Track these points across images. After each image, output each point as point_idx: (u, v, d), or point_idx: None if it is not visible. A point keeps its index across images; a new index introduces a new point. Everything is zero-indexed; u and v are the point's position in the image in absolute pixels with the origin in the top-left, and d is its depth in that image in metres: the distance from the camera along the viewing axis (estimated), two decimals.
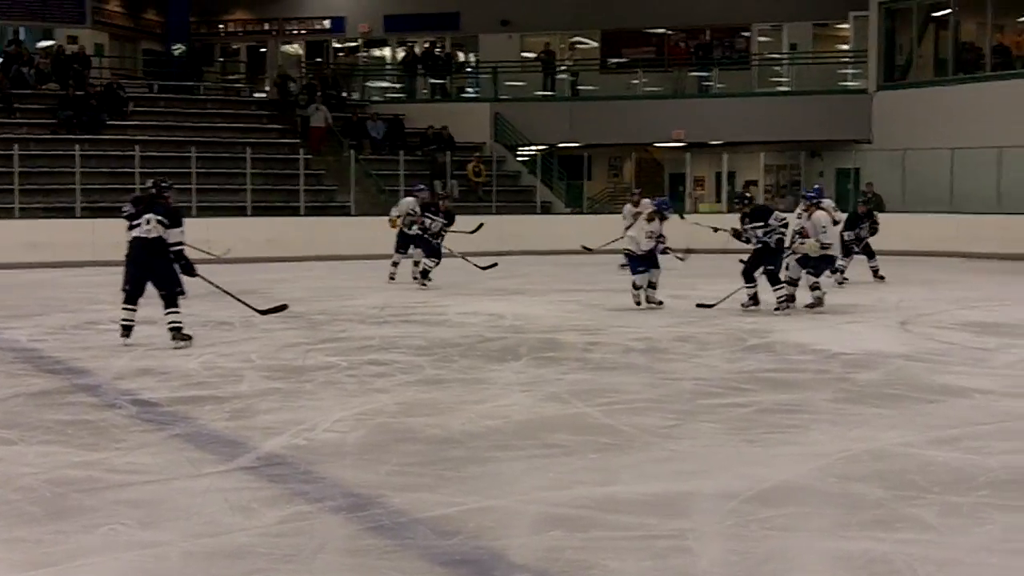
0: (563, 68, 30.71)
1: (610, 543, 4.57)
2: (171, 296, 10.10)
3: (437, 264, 15.96)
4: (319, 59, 33.56)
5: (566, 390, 7.93)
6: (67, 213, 22.25)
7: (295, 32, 33.88)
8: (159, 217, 10.07)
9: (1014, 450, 6.14)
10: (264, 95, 31.11)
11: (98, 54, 29.26)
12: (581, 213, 27.26)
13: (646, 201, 15.87)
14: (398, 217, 16.38)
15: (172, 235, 10.08)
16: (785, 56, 29.69)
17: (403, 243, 16.43)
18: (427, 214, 16.08)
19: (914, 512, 4.95)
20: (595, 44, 31.40)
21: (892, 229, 18.31)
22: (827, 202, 14.71)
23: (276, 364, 9.15)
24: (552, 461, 5.90)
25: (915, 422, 6.90)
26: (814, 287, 12.83)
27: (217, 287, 10.88)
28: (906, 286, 15.62)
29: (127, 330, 10.14)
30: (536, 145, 28.89)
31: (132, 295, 10.17)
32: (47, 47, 28.51)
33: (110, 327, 10.82)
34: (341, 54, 33.96)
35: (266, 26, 33.98)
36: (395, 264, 16.52)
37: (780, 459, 5.96)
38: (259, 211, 23.35)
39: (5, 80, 24.97)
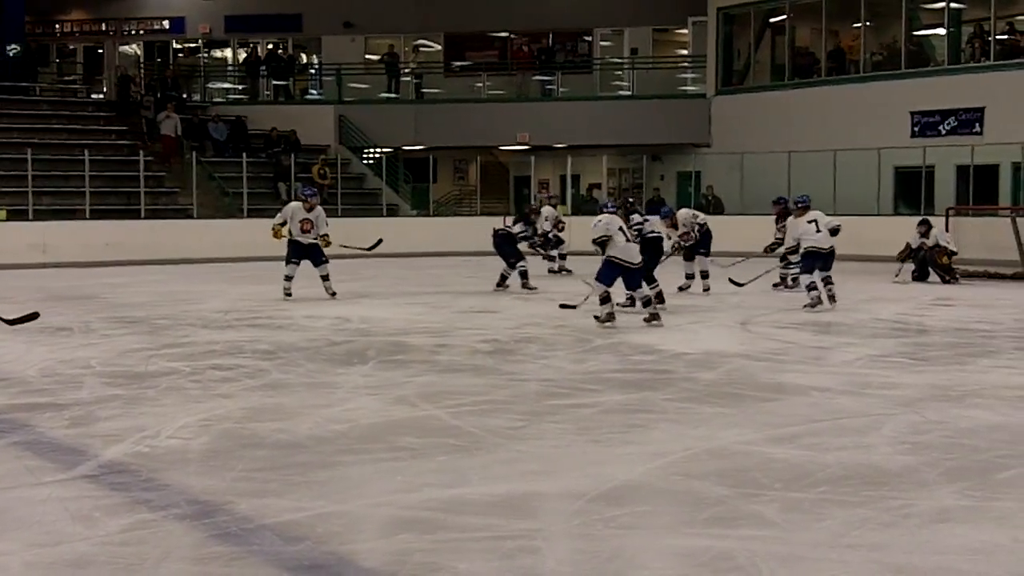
0: (407, 71, 30.67)
1: (458, 545, 4.58)
2: None
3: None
4: (159, 59, 32.87)
5: (414, 393, 7.92)
6: None
7: (133, 32, 33.13)
8: None
9: (849, 446, 6.32)
10: (102, 96, 30.34)
11: None
12: (427, 216, 27.30)
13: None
14: (282, 225, 14.73)
15: None
16: (626, 61, 30.15)
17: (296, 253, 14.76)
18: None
19: (756, 509, 5.07)
20: (439, 47, 31.43)
21: (731, 231, 18.74)
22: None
23: (117, 370, 8.93)
24: (400, 464, 5.88)
25: (755, 420, 7.06)
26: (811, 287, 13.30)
27: None
28: (745, 289, 15.93)
29: None
30: (381, 148, 28.80)
31: None
32: None
33: None
34: (181, 55, 33.32)
35: (103, 26, 33.15)
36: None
37: (624, 458, 6.04)
38: (98, 214, 22.75)
39: None
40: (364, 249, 15.69)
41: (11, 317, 10.33)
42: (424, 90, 30.73)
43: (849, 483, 5.47)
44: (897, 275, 17.06)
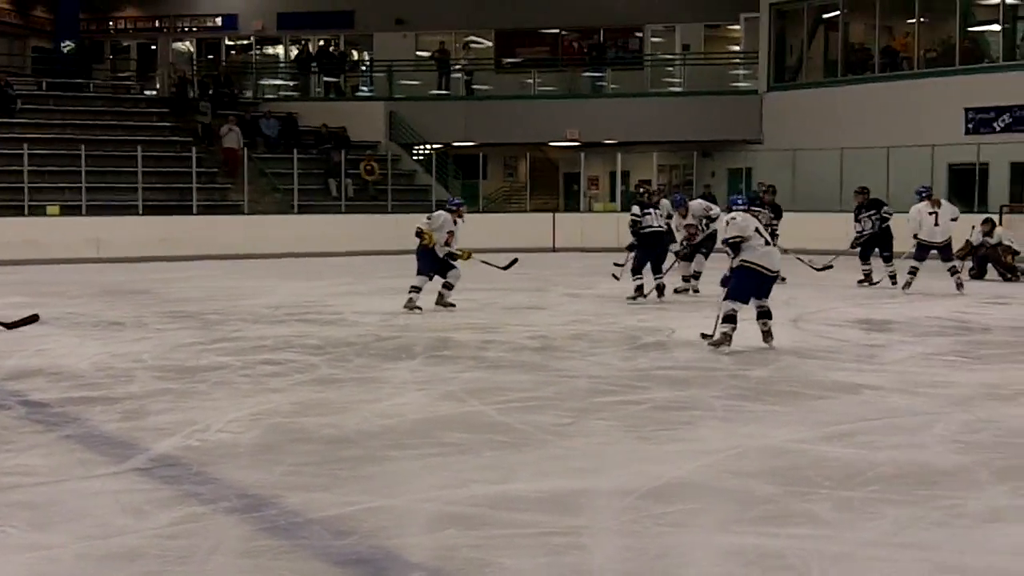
0: (458, 67, 30.69)
1: (505, 541, 4.57)
2: None
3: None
4: (211, 56, 33.13)
5: (461, 388, 7.92)
6: None
7: (186, 29, 33.39)
8: None
9: (901, 444, 6.26)
10: (155, 93, 30.61)
11: None
12: (477, 212, 27.30)
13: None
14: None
15: None
16: (677, 57, 30.00)
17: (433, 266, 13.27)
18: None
19: (806, 507, 5.03)
20: (489, 44, 31.43)
21: (783, 228, 18.60)
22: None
23: (168, 364, 9.01)
24: (447, 459, 5.89)
25: (807, 418, 7.00)
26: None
27: None
28: (797, 284, 15.85)
29: None
30: (431, 144, 28.83)
31: None
32: None
33: None
34: (233, 52, 33.56)
35: (157, 23, 33.44)
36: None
37: (673, 456, 6.01)
38: (151, 210, 22.98)
39: None
40: (500, 268, 15.02)
41: (10, 321, 10.51)
42: (475, 86, 30.71)
43: (901, 482, 5.42)
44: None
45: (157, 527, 4.74)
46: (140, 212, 22.84)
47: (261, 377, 8.46)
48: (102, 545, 4.52)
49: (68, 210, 22.15)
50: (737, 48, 30.29)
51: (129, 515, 4.91)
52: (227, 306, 13.36)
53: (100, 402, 7.45)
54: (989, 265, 16.98)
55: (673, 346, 10.18)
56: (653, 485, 5.37)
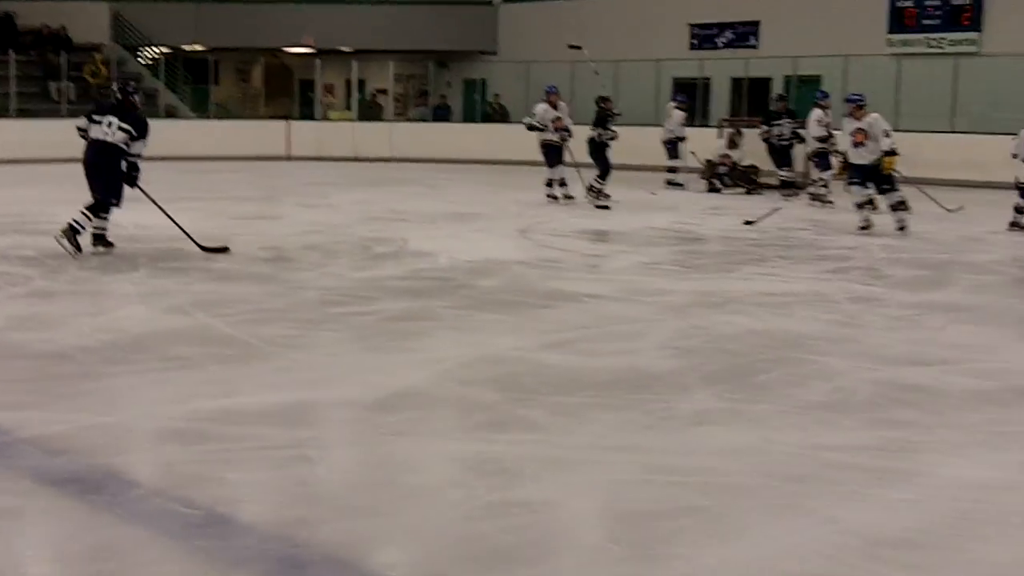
0: None
1: (228, 455, 4.55)
2: (104, 204, 9.84)
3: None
4: None
5: (188, 301, 7.75)
6: None
7: None
8: (123, 124, 9.76)
9: (617, 351, 6.51)
10: None
11: None
12: (207, 118, 26.58)
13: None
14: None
15: (135, 147, 9.84)
16: None
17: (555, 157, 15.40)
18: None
19: (524, 413, 5.18)
20: None
21: (516, 140, 18.82)
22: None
23: None
24: (170, 375, 5.78)
25: (530, 327, 7.19)
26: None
27: (156, 204, 10.32)
28: (522, 191, 16.05)
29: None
30: (159, 47, 27.78)
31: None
32: None
33: None
34: None
35: None
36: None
37: (401, 366, 6.08)
38: None
39: None
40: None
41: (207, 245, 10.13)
42: None
43: (615, 387, 5.64)
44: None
45: None
46: None
47: None
48: None
49: None
50: None
51: None
52: None
53: None
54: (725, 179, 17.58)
55: (406, 256, 10.23)
56: (379, 395, 5.43)
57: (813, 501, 4.15)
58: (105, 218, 9.93)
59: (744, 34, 23.80)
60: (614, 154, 15.57)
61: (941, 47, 21.07)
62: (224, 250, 10.14)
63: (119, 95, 10.11)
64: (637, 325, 7.29)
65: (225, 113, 27.96)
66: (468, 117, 27.25)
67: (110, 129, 9.74)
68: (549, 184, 15.32)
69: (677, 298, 8.22)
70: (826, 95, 16.09)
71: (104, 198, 9.84)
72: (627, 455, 4.63)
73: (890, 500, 4.20)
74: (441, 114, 26.79)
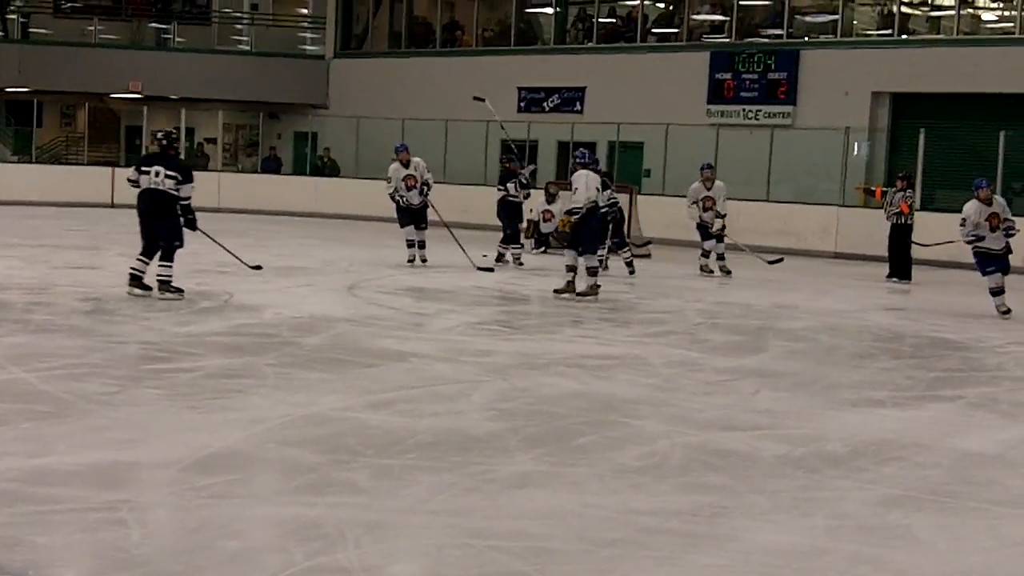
0: (14, 8, 28.84)
1: (39, 518, 4.44)
2: (169, 249, 10.44)
3: None
4: None
5: (2, 355, 7.55)
6: None
7: None
8: (169, 171, 10.34)
9: (440, 412, 6.58)
10: None
11: None
12: (30, 162, 25.89)
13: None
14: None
15: (184, 190, 10.38)
16: (246, 15, 29.70)
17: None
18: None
19: (346, 476, 5.19)
20: None
21: (345, 194, 18.89)
22: None
23: None
24: None
25: (354, 386, 7.22)
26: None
27: (216, 241, 11.72)
28: (350, 248, 16.10)
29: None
30: None
31: (147, 248, 10.53)
32: None
33: None
34: None
35: None
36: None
37: (222, 425, 6.02)
38: None
39: None
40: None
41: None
42: (32, 30, 28.98)
43: (438, 449, 5.70)
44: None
45: None
46: None
47: None
48: None
49: None
50: (306, 12, 30.37)
51: None
52: None
53: None
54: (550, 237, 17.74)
55: (230, 311, 10.14)
56: (198, 456, 5.37)
57: (627, 566, 4.25)
58: (170, 265, 10.49)
59: (570, 99, 24.33)
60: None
61: (757, 119, 21.87)
62: (258, 268, 12.28)
63: (164, 143, 10.65)
64: (461, 386, 7.38)
65: (48, 157, 27.29)
66: (298, 170, 27.14)
67: (158, 178, 10.31)
68: (410, 245, 14.91)
69: (501, 359, 8.35)
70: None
71: (168, 244, 10.43)
72: (449, 519, 4.68)
73: (702, 566, 4.33)
74: (271, 166, 26.61)
